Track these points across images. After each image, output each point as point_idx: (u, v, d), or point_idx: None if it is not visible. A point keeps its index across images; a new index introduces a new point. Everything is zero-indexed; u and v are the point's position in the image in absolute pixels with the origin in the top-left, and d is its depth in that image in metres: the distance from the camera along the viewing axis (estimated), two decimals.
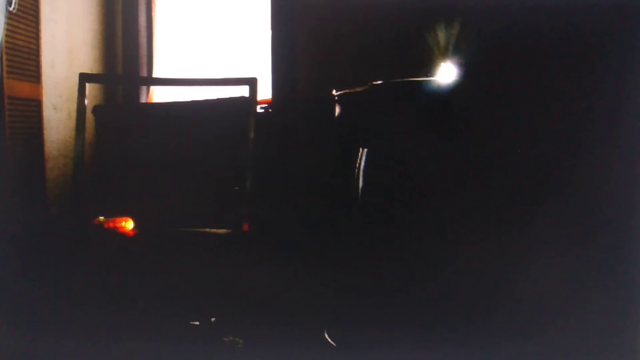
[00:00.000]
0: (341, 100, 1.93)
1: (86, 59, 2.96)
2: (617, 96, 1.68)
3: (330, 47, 2.62)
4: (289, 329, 1.85)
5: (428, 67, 2.08)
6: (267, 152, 2.49)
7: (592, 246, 1.67)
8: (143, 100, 3.12)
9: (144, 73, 3.12)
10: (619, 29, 1.69)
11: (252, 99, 2.45)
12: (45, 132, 2.59)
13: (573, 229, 1.68)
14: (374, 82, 1.84)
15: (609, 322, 1.65)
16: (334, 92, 1.95)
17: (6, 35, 2.26)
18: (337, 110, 1.96)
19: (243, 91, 2.48)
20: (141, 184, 2.46)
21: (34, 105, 2.52)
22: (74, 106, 2.67)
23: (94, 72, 3.01)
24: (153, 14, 3.13)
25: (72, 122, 2.70)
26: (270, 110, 2.73)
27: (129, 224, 2.33)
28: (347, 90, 1.91)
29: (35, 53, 2.52)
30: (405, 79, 1.84)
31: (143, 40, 3.13)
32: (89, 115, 2.59)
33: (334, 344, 1.81)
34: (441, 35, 2.16)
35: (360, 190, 1.89)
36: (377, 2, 2.47)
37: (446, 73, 2.02)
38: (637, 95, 1.66)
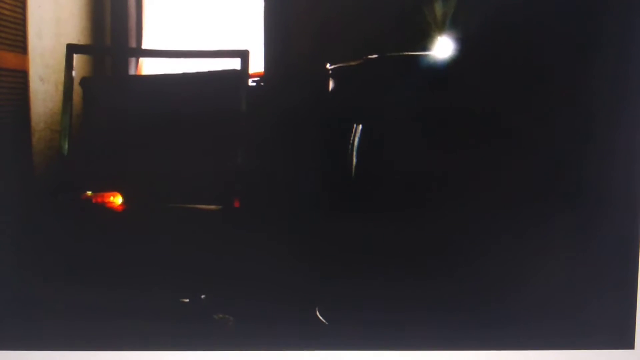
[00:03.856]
0: (335, 74, 1.90)
1: (74, 29, 2.88)
2: (617, 94, 1.66)
3: (326, 19, 2.56)
4: (280, 307, 1.84)
5: (425, 41, 2.04)
6: (258, 127, 2.45)
7: (595, 247, 1.67)
8: (132, 72, 3.05)
9: (133, 44, 3.05)
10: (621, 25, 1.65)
11: (243, 71, 2.39)
12: (31, 104, 2.54)
13: (575, 230, 1.67)
14: (369, 56, 1.81)
15: (611, 322, 1.66)
16: (328, 65, 1.91)
17: None
18: (331, 84, 1.92)
19: (235, 64, 2.43)
20: (130, 158, 2.41)
21: (20, 77, 2.46)
22: (61, 78, 2.61)
23: (82, 43, 2.93)
24: None
25: (59, 94, 2.64)
26: (262, 83, 2.67)
27: (117, 199, 2.29)
28: (341, 64, 1.88)
29: (21, 23, 2.45)
30: (402, 53, 1.80)
31: (132, 10, 3.05)
32: (77, 87, 2.53)
33: (326, 322, 1.81)
34: (439, 8, 2.11)
35: (354, 168, 1.86)
36: None
37: (443, 48, 1.98)
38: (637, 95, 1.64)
